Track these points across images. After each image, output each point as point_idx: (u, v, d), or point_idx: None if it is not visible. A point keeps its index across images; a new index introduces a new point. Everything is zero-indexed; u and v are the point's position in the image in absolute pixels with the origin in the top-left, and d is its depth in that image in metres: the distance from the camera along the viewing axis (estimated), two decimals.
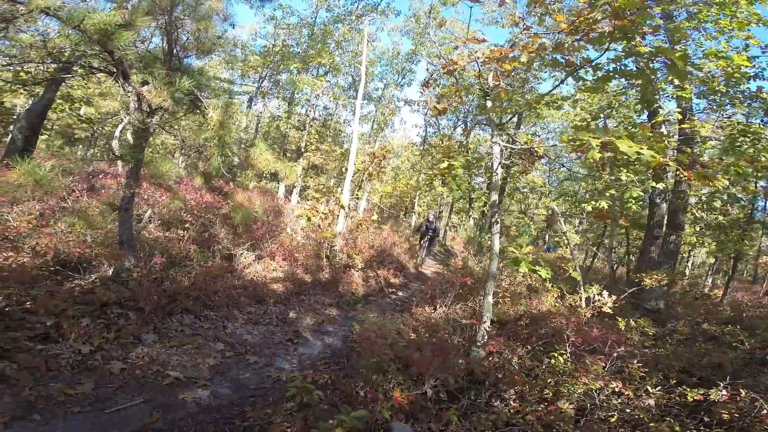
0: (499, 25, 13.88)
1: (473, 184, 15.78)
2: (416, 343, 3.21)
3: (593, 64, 3.24)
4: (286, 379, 3.11)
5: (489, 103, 3.82)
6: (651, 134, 2.99)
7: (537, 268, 3.32)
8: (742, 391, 2.53)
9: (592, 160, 2.54)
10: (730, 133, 5.67)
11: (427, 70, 16.07)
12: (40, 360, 2.56)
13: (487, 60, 3.49)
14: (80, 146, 14.90)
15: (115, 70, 3.39)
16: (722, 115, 6.49)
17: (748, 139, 5.45)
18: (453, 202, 20.60)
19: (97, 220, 4.76)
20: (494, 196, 3.87)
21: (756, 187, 8.15)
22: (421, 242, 10.29)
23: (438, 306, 4.91)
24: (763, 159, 5.27)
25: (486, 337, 3.39)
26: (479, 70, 3.72)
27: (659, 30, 4.18)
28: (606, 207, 5.25)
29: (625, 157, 2.35)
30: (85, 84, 11.93)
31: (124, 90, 3.48)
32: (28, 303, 2.97)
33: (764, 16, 5.19)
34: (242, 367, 3.31)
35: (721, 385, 2.64)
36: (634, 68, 3.48)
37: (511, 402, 2.69)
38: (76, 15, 2.82)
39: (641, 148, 2.25)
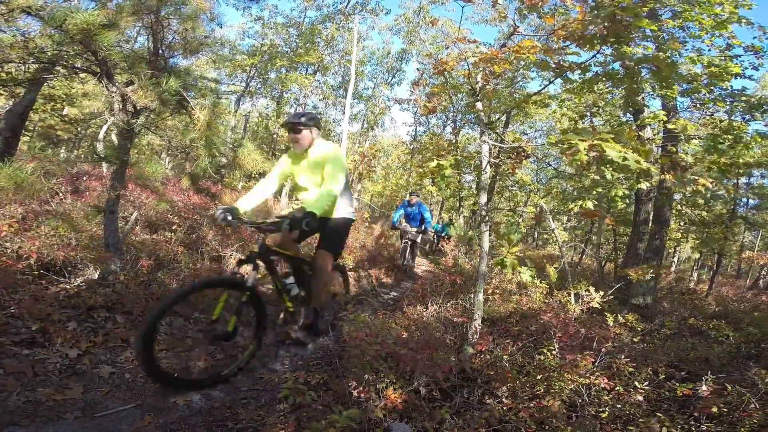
0: (489, 23, 13.99)
1: (462, 183, 15.87)
2: (407, 341, 3.22)
3: (582, 65, 3.27)
4: (278, 381, 3.09)
5: (479, 105, 3.84)
6: (636, 138, 3.03)
7: (521, 269, 3.34)
8: (728, 386, 2.58)
9: (578, 163, 2.55)
10: (712, 131, 5.79)
11: (418, 69, 16.10)
12: (27, 365, 2.51)
13: (477, 62, 3.51)
14: (63, 148, 14.63)
15: (98, 70, 3.33)
16: (705, 113, 6.63)
17: (730, 137, 5.57)
18: (443, 200, 20.69)
19: (81, 223, 4.68)
20: (483, 195, 3.90)
21: (737, 184, 8.34)
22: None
23: (429, 305, 4.92)
24: (743, 158, 5.40)
25: (477, 334, 3.41)
26: (469, 70, 3.74)
27: (650, 37, 4.26)
28: (591, 206, 5.32)
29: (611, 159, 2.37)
30: (68, 84, 11.71)
31: (108, 90, 3.42)
32: (12, 307, 2.91)
33: (745, 17, 5.30)
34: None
35: (704, 380, 2.70)
36: (620, 70, 3.53)
37: (504, 399, 2.71)
38: (58, 15, 2.76)
39: (627, 152, 2.27)
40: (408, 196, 8.80)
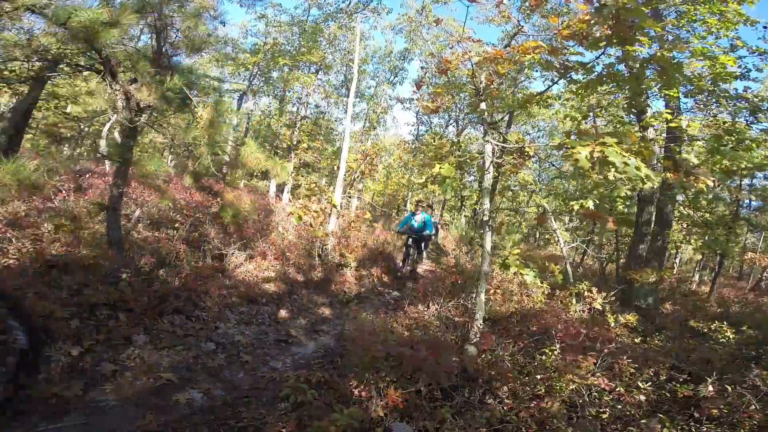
0: (492, 22, 13.86)
1: (464, 182, 15.83)
2: (408, 340, 3.22)
3: (586, 66, 3.26)
4: (280, 379, 3.09)
5: (483, 105, 3.83)
6: (639, 143, 3.00)
7: (525, 270, 3.32)
8: (729, 387, 2.58)
9: (582, 170, 2.51)
10: (715, 132, 5.75)
11: (422, 68, 16.04)
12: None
13: (481, 62, 3.49)
14: (67, 145, 14.64)
15: (102, 68, 3.34)
16: (708, 113, 6.59)
17: (732, 138, 5.53)
18: (444, 199, 20.66)
19: (84, 221, 4.69)
20: (486, 196, 3.89)
21: (740, 186, 8.29)
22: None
23: (431, 304, 4.92)
24: (745, 160, 5.37)
25: (479, 334, 3.41)
26: (472, 70, 3.73)
27: (654, 38, 4.22)
28: (592, 206, 5.27)
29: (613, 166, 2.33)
30: (72, 82, 11.70)
31: (112, 88, 3.43)
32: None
33: (751, 16, 5.27)
34: (235, 368, 3.29)
35: (709, 381, 2.69)
36: (624, 71, 3.51)
37: (505, 399, 2.71)
38: (61, 13, 2.77)
39: (629, 157, 2.24)
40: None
